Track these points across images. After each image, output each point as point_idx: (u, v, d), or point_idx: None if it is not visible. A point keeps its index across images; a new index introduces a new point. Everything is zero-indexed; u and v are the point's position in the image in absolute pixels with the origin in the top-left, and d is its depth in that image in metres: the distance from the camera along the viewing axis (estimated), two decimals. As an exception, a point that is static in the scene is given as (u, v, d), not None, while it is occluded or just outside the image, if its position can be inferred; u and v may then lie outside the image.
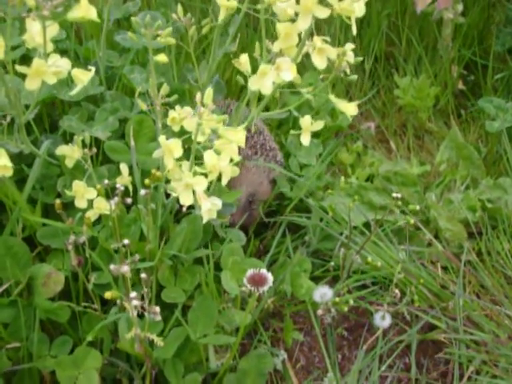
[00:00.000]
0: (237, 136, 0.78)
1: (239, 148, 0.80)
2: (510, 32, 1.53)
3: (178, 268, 0.93)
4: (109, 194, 0.88)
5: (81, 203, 0.86)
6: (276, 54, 0.81)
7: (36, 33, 0.73)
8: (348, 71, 0.82)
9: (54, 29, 0.73)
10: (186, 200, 0.77)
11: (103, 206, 0.85)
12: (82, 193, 0.86)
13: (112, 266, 0.75)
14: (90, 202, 0.86)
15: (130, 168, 0.90)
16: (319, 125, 0.87)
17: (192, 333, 0.85)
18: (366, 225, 1.10)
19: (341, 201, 1.13)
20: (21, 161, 0.93)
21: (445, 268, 1.10)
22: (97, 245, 0.90)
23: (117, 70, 1.09)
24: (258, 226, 1.14)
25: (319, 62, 0.79)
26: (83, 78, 0.78)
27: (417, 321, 1.02)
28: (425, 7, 1.41)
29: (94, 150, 0.89)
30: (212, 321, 0.87)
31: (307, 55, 0.81)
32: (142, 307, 0.75)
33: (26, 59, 0.94)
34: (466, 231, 1.14)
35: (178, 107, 0.79)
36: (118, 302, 0.77)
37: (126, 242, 0.77)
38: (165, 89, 0.86)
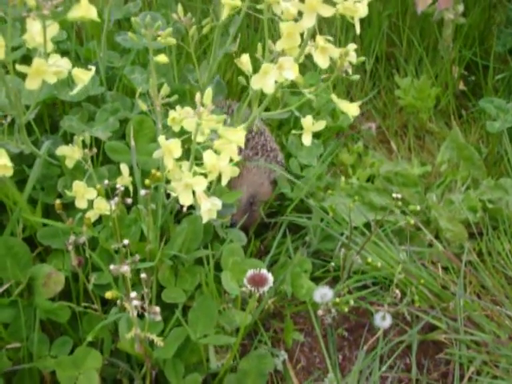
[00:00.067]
0: (236, 136, 0.78)
1: (240, 149, 0.80)
2: (510, 32, 1.53)
3: (178, 268, 0.93)
4: (109, 194, 0.88)
5: (81, 203, 0.86)
6: (278, 54, 0.81)
7: (36, 32, 0.73)
8: (350, 71, 0.82)
9: (54, 28, 0.73)
10: (185, 200, 0.77)
11: (103, 207, 0.85)
12: (83, 193, 0.86)
13: (112, 267, 0.75)
14: (91, 203, 0.86)
15: (131, 168, 0.90)
16: (321, 125, 0.87)
17: (192, 333, 0.85)
18: (367, 225, 1.10)
19: (341, 201, 1.13)
20: (21, 161, 0.93)
21: (445, 268, 1.10)
22: (97, 245, 0.90)
23: (117, 71, 1.09)
24: (258, 226, 1.14)
25: (322, 61, 0.78)
26: (84, 77, 0.78)
27: (417, 321, 1.02)
28: (425, 8, 1.41)
29: (95, 150, 0.89)
30: (212, 321, 0.87)
31: (308, 55, 0.81)
32: (143, 307, 0.75)
33: (27, 59, 0.94)
34: (466, 232, 1.14)
35: (178, 107, 0.79)
36: (119, 302, 0.77)
37: (126, 242, 0.77)
38: (165, 89, 0.86)
